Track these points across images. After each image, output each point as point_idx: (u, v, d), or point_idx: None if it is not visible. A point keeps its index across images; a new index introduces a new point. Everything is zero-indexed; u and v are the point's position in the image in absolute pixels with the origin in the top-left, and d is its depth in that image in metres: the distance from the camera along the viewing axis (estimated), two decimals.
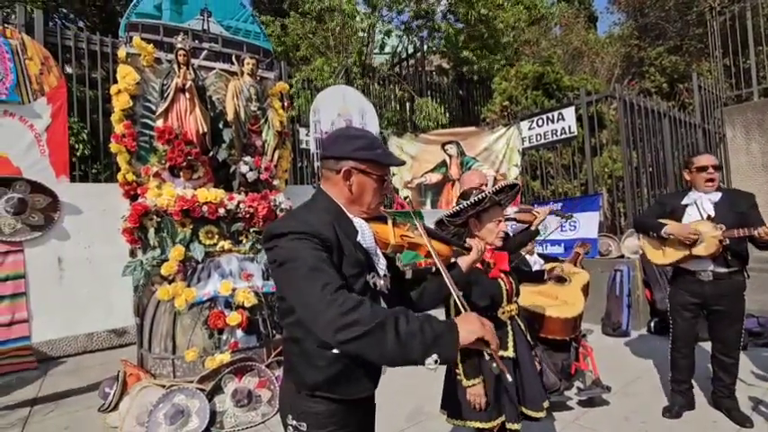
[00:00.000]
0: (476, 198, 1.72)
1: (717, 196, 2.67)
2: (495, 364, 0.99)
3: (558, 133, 6.40)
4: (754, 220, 2.49)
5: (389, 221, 1.27)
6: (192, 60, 3.58)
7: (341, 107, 6.27)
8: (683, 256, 2.66)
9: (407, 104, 9.09)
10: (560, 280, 3.24)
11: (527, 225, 2.68)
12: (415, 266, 4.97)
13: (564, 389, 3.10)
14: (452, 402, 1.81)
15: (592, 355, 3.28)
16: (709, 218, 2.61)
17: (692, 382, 2.90)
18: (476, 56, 9.17)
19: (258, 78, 3.97)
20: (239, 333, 3.28)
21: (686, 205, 2.74)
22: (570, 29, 11.23)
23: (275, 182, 4.02)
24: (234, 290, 3.33)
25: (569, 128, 6.28)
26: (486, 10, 8.25)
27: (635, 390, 3.32)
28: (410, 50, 9.88)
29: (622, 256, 5.37)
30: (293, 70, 7.95)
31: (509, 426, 1.73)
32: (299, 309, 1.05)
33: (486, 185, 2.63)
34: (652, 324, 4.82)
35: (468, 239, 1.70)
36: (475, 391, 1.69)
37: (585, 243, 3.88)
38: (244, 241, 3.63)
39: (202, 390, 2.92)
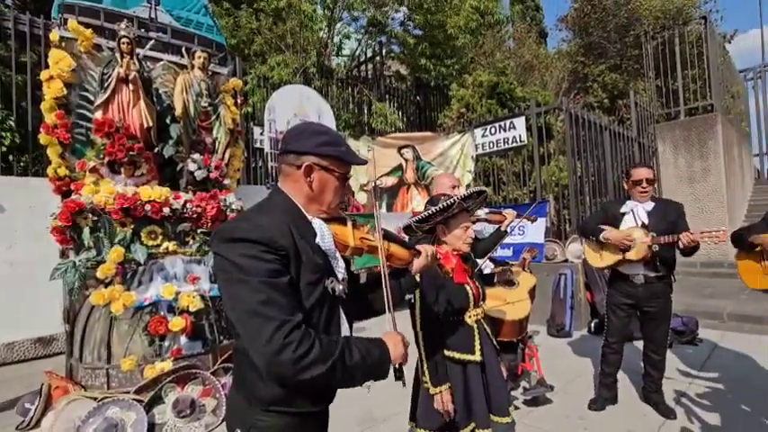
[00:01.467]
0: (444, 204, 1.72)
1: (650, 205, 2.90)
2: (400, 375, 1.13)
3: (510, 141, 6.66)
4: (681, 228, 2.71)
5: (349, 223, 1.23)
6: (138, 50, 3.37)
7: (297, 107, 6.17)
8: (617, 260, 2.87)
9: (365, 108, 9.11)
10: (509, 283, 3.35)
11: (498, 226, 2.84)
12: (370, 270, 4.96)
13: (511, 389, 3.21)
14: (421, 412, 1.78)
15: (537, 355, 3.41)
16: (643, 225, 2.83)
17: (618, 377, 3.11)
18: (431, 64, 9.35)
19: (210, 73, 3.81)
20: (183, 339, 3.10)
21: (624, 213, 2.95)
22: (523, 43, 11.76)
23: (226, 181, 3.87)
24: (178, 293, 3.16)
25: (520, 137, 6.55)
26: (442, 16, 8.44)
27: (574, 388, 3.50)
28: (368, 54, 9.91)
29: (566, 261, 5.66)
30: (248, 66, 7.71)
31: (478, 431, 1.72)
32: (248, 344, 0.98)
33: (459, 187, 2.69)
34: (592, 325, 5.11)
35: (418, 245, 1.71)
36: (442, 399, 1.67)
37: (533, 248, 4.04)
38: (190, 242, 3.46)
39: (140, 401, 2.73)
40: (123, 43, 3.20)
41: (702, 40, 8.62)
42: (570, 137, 6.33)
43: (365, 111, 9.16)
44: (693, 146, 8.01)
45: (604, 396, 3.06)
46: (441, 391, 1.68)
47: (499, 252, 5.91)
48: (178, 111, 3.48)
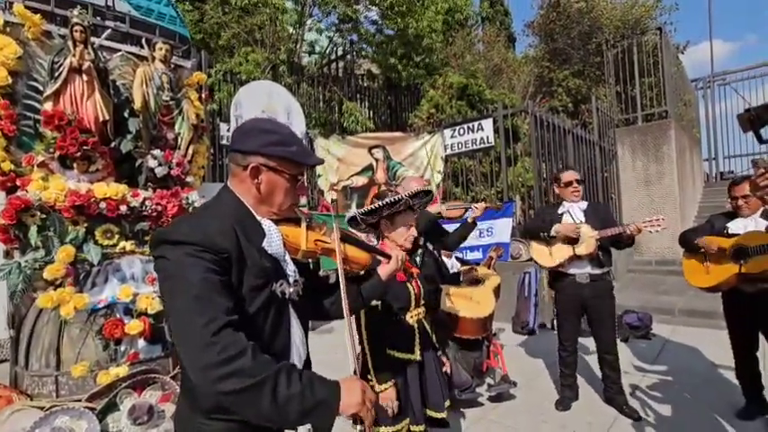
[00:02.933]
0: (391, 199, 1.75)
1: (584, 204, 3.10)
2: None
3: (478, 143, 6.78)
4: (612, 225, 2.94)
5: (303, 224, 1.19)
6: (93, 39, 3.20)
7: (266, 104, 6.04)
8: (568, 255, 2.98)
9: (336, 106, 9.03)
10: (474, 282, 3.41)
11: (464, 219, 2.93)
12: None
13: (476, 386, 3.27)
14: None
15: (501, 352, 3.49)
16: (583, 223, 2.98)
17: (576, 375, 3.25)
18: (402, 65, 9.39)
19: (172, 66, 3.66)
20: (141, 343, 2.97)
21: (561, 214, 3.11)
22: (492, 46, 12.00)
23: (189, 178, 3.73)
24: (136, 295, 3.02)
25: (488, 138, 6.68)
26: (412, 18, 8.49)
27: (537, 384, 3.60)
28: (339, 52, 9.84)
29: (531, 260, 5.82)
30: (214, 60, 7.48)
31: (413, 428, 1.76)
32: (176, 341, 0.92)
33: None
34: (554, 321, 5.28)
35: (390, 249, 1.71)
36: (387, 396, 1.70)
37: (499, 247, 4.15)
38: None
39: (92, 408, 2.59)
40: (76, 31, 3.02)
41: (658, 50, 9.07)
42: (536, 139, 6.51)
43: (336, 109, 9.09)
44: (650, 150, 8.41)
45: (568, 396, 3.17)
46: (386, 389, 1.71)
47: (469, 255, 6.01)
48: (137, 104, 3.33)
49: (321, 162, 1.27)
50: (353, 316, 1.81)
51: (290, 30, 8.87)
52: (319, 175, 6.79)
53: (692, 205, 9.28)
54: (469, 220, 2.94)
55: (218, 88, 7.10)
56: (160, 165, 3.42)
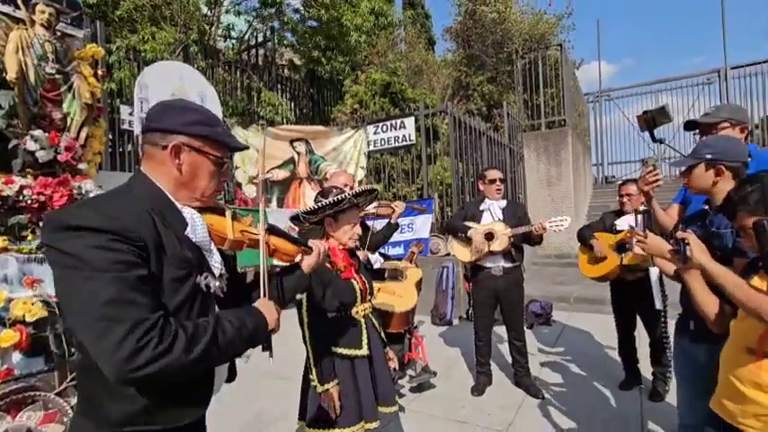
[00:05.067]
0: (335, 198, 1.71)
1: (503, 203, 3.37)
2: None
3: (400, 140, 6.93)
4: (526, 223, 3.23)
5: (228, 213, 1.11)
6: None
7: (176, 87, 5.52)
8: (485, 252, 3.19)
9: (255, 95, 8.59)
10: (397, 277, 3.47)
11: (389, 219, 2.99)
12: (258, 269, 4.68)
13: (398, 378, 3.34)
14: (310, 411, 1.75)
15: (422, 344, 3.60)
16: (499, 220, 3.25)
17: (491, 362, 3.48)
18: (325, 57, 9.25)
19: (59, 34, 3.17)
20: (16, 356, 2.53)
21: (482, 210, 3.35)
22: (413, 47, 12.32)
23: (81, 165, 3.26)
24: (10, 300, 2.57)
25: (409, 136, 6.85)
26: (337, 12, 8.39)
27: (454, 372, 3.79)
28: (260, 39, 9.37)
29: (449, 254, 6.10)
30: (113, 34, 6.66)
31: (367, 426, 1.74)
32: (93, 351, 0.81)
33: (352, 187, 2.69)
34: (470, 312, 5.60)
35: (310, 241, 1.66)
36: (329, 396, 1.66)
37: (420, 243, 4.27)
38: (29, 238, 2.84)
39: None
40: None
41: (559, 64, 10.06)
42: (454, 139, 6.83)
43: (255, 99, 8.64)
44: (551, 154, 9.31)
45: (483, 382, 3.38)
46: (328, 389, 1.67)
47: (391, 251, 6.11)
48: (11, 74, 2.82)
49: (246, 147, 1.17)
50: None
51: (205, 9, 8.22)
52: (237, 167, 6.40)
53: (584, 205, 10.48)
54: (392, 221, 3.03)
55: (119, 67, 6.34)
56: (43, 148, 2.95)
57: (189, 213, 1.00)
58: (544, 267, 8.31)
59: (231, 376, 1.17)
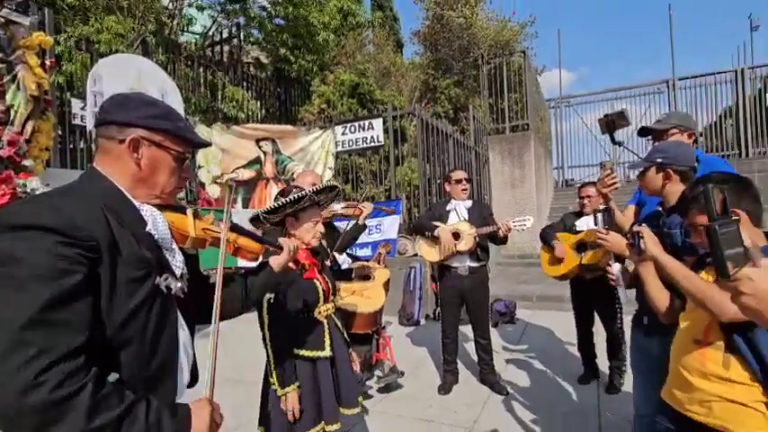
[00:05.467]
0: (295, 196, 1.68)
1: (469, 203, 3.43)
2: None
3: (368, 141, 6.93)
4: (492, 223, 3.31)
5: (189, 211, 1.08)
6: None
7: (134, 82, 5.26)
8: (451, 251, 3.24)
9: (219, 93, 8.34)
10: (365, 277, 3.46)
11: (356, 220, 2.97)
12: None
13: (366, 379, 3.32)
14: (270, 415, 1.71)
15: (390, 344, 3.61)
16: (465, 220, 3.31)
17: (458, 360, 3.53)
18: (293, 56, 9.11)
19: (3, 21, 2.96)
20: None
21: (449, 210, 3.40)
22: (382, 49, 12.36)
23: (26, 162, 3.06)
24: None
25: (377, 137, 6.87)
26: (305, 10, 8.30)
27: (421, 371, 3.82)
28: (225, 35, 9.11)
29: (416, 255, 6.15)
30: (64, 23, 6.28)
31: (327, 428, 1.72)
32: None
33: (320, 185, 2.65)
34: (437, 312, 5.67)
35: (280, 238, 1.62)
36: (290, 399, 1.63)
37: (388, 243, 4.29)
38: None
39: None
40: None
41: (523, 71, 10.39)
42: (421, 141, 6.90)
43: (219, 96, 8.38)
44: (515, 157, 9.58)
45: (449, 380, 3.42)
46: (288, 392, 1.65)
47: (359, 252, 6.09)
48: None
49: (208, 144, 1.13)
50: (258, 317, 1.71)
51: (165, 1, 7.91)
52: (200, 166, 6.19)
53: (546, 206, 10.85)
54: (360, 222, 3.02)
55: (70, 57, 5.98)
56: None
57: (148, 211, 0.95)
58: (508, 267, 8.53)
59: (193, 380, 1.11)
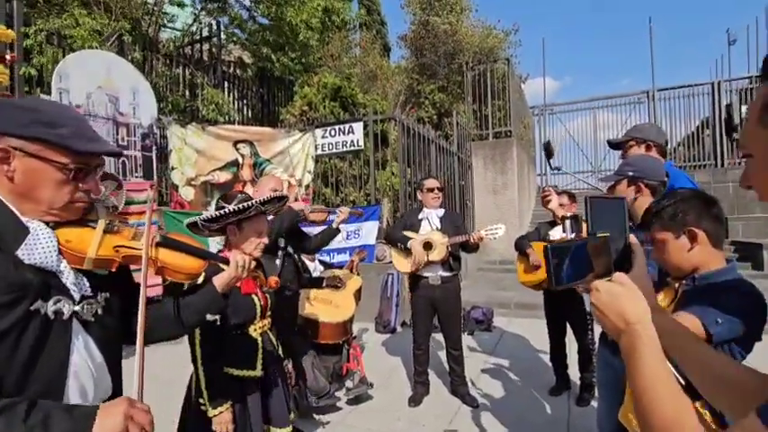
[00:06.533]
0: (242, 206, 1.58)
1: (441, 212, 3.39)
2: None
3: (348, 145, 6.85)
4: (464, 231, 3.29)
5: (100, 226, 0.96)
6: None
7: (104, 78, 5.12)
8: (424, 261, 3.18)
9: (199, 93, 8.16)
10: (336, 286, 3.38)
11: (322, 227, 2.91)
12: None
13: (334, 390, 3.23)
14: None
15: (360, 355, 3.53)
16: (437, 229, 3.27)
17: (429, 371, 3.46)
18: (276, 56, 9.00)
19: None
20: None
21: (421, 219, 3.35)
22: (368, 52, 12.32)
23: None
24: None
25: (358, 141, 6.79)
26: (287, 9, 8.20)
27: (392, 382, 3.74)
28: (205, 33, 8.94)
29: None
30: (34, 15, 6.06)
31: None
32: None
33: (282, 191, 2.55)
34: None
35: (226, 251, 1.53)
36: (222, 419, 1.53)
37: (363, 250, 4.22)
38: None
39: None
40: None
41: (506, 78, 10.45)
42: (402, 146, 6.85)
43: (199, 96, 8.21)
44: (497, 163, 9.61)
45: (420, 392, 3.35)
46: (220, 412, 1.54)
47: (337, 257, 5.99)
48: None
49: (109, 151, 1.01)
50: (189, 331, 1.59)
51: None
52: (173, 168, 6.02)
53: (528, 213, 10.92)
54: (334, 226, 2.93)
55: (39, 51, 5.77)
56: None
57: (34, 228, 0.86)
58: (489, 273, 8.53)
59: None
